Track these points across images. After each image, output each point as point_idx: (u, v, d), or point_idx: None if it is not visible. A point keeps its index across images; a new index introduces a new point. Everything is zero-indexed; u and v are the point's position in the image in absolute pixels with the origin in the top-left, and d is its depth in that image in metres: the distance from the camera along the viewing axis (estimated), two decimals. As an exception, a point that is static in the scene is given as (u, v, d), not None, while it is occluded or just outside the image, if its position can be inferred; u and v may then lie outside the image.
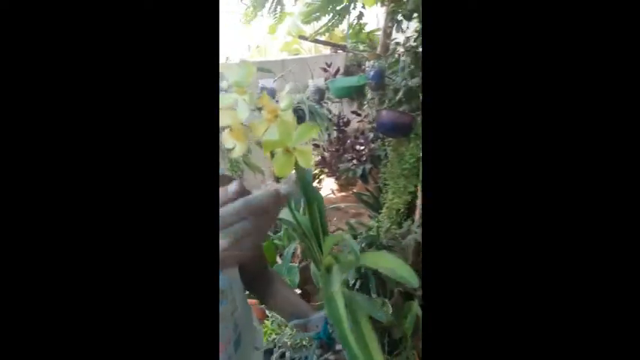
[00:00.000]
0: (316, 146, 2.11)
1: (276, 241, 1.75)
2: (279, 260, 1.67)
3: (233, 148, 0.36)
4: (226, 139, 0.35)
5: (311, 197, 0.44)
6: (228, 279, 0.58)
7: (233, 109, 0.34)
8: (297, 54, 3.47)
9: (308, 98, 1.47)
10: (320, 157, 1.73)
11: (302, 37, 2.66)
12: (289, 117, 0.34)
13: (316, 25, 2.39)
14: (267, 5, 2.29)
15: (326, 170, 2.29)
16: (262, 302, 0.65)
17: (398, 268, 0.31)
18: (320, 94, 1.55)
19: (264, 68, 1.71)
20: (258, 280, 0.65)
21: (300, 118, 1.39)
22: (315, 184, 2.69)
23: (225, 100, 0.34)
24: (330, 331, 0.52)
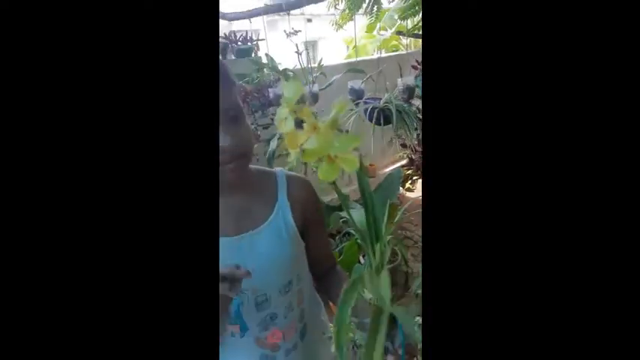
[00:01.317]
0: (404, 147, 2.02)
1: (359, 241, 1.73)
2: (362, 260, 1.66)
3: (288, 154, 0.41)
4: (283, 147, 0.40)
5: (367, 201, 0.45)
6: (297, 271, 0.63)
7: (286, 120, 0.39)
8: (395, 50, 3.39)
9: (396, 97, 1.44)
10: (407, 159, 1.66)
11: (399, 33, 2.58)
12: (328, 129, 0.36)
13: (415, 20, 2.30)
14: (364, 5, 2.30)
15: (419, 172, 2.19)
16: (329, 299, 0.68)
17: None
18: (409, 93, 1.49)
19: (355, 69, 1.73)
20: (325, 276, 0.69)
21: (386, 118, 1.37)
22: (408, 185, 2.60)
23: (280, 113, 0.40)
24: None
